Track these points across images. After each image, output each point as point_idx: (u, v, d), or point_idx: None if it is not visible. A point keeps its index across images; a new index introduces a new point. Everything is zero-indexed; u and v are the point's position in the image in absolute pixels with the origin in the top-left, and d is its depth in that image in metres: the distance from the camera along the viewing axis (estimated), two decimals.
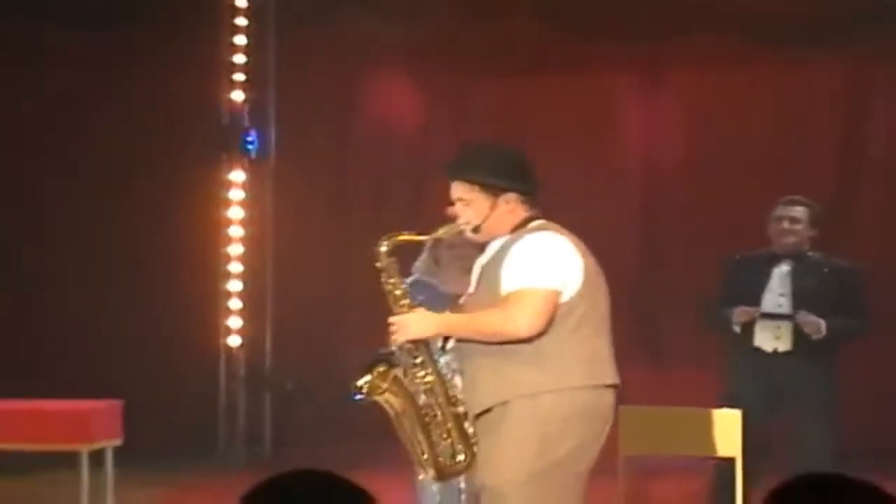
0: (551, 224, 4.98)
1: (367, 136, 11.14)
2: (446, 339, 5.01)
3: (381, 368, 4.86)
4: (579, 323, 4.85)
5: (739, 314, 7.32)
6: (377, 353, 5.17)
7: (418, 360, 4.89)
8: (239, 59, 10.85)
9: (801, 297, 7.32)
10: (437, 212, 5.27)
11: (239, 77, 10.85)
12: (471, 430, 4.86)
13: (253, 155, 10.87)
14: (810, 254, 7.49)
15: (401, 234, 4.99)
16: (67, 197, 10.80)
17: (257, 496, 2.55)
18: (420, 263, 6.20)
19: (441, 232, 5.10)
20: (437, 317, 4.98)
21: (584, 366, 4.86)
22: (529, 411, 4.80)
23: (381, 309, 5.19)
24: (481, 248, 5.20)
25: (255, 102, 10.89)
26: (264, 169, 10.93)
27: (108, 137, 10.78)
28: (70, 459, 7.51)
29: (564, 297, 4.83)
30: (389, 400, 4.86)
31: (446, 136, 10.93)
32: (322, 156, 11.04)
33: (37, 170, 10.81)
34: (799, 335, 7.28)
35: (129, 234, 10.68)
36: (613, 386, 4.92)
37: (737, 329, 7.36)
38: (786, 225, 7.44)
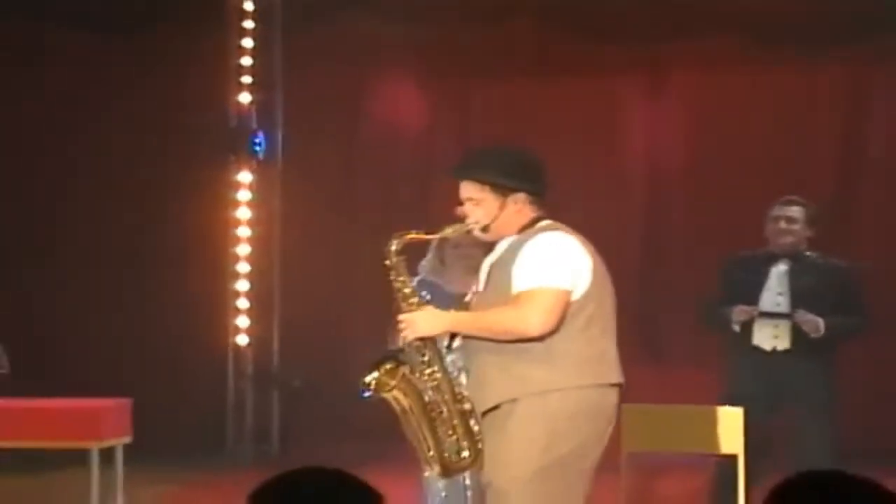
0: (559, 224, 5.00)
1: (373, 137, 11.17)
2: (452, 337, 5.03)
3: (389, 366, 4.86)
4: (588, 323, 4.88)
5: (738, 313, 7.32)
6: (385, 350, 5.23)
7: (426, 358, 4.90)
8: (246, 61, 10.88)
9: (799, 296, 7.33)
10: (442, 212, 5.28)
11: (246, 79, 10.88)
12: (476, 428, 4.86)
13: (260, 156, 10.90)
14: (807, 253, 7.49)
15: (410, 233, 5.00)
16: (77, 197, 10.86)
17: (266, 493, 2.55)
18: (426, 263, 6.24)
19: (450, 231, 5.08)
20: (446, 315, 5.00)
21: (592, 365, 4.89)
22: (538, 409, 4.81)
23: (387, 308, 5.23)
24: (486, 247, 5.22)
25: (262, 104, 10.92)
26: (271, 170, 10.95)
27: (118, 140, 10.82)
28: (81, 457, 7.52)
29: (574, 297, 4.86)
30: (397, 397, 4.86)
31: (451, 137, 10.95)
32: (328, 157, 11.05)
33: (49, 171, 10.87)
34: (797, 334, 7.29)
35: (138, 234, 10.74)
36: (618, 385, 4.95)
37: (736, 328, 7.36)
38: (783, 225, 7.45)
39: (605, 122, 11.02)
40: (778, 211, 7.52)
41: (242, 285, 10.89)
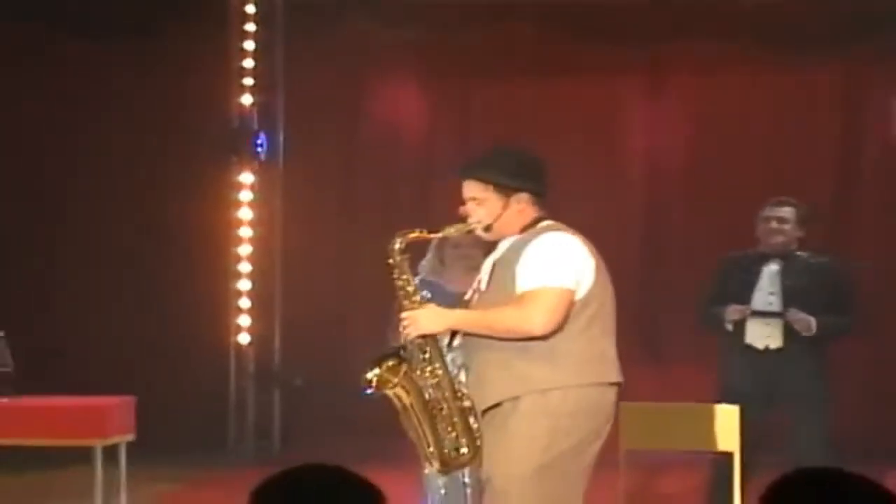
0: (561, 224, 5.03)
1: (374, 137, 11.19)
2: (453, 335, 5.03)
3: (392, 362, 4.88)
4: (590, 322, 4.91)
5: (731, 312, 7.35)
6: (387, 347, 5.26)
7: (427, 356, 4.91)
8: (248, 63, 10.94)
9: (791, 295, 7.35)
10: (443, 212, 5.32)
11: (248, 81, 10.94)
12: (475, 425, 4.88)
13: (262, 157, 10.95)
14: (798, 253, 7.50)
15: (413, 232, 5.02)
16: (81, 197, 10.91)
17: (269, 490, 2.56)
18: (426, 263, 6.28)
19: (453, 230, 5.10)
20: (449, 313, 5.02)
21: (593, 364, 4.92)
22: (540, 407, 4.84)
23: (387, 307, 5.26)
24: (485, 247, 5.27)
25: (263, 106, 10.98)
26: (273, 171, 11.01)
27: (121, 141, 10.87)
28: (85, 454, 7.51)
29: (577, 297, 4.89)
30: (399, 394, 4.88)
31: (451, 137, 10.97)
32: (329, 158, 11.09)
33: (53, 170, 10.92)
34: (789, 332, 7.32)
35: (142, 234, 10.78)
36: (617, 384, 4.98)
37: (729, 327, 7.39)
38: (774, 225, 7.47)
39: (605, 122, 11.04)
40: (769, 211, 7.55)
41: (244, 285, 10.94)
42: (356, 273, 10.66)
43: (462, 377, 5.02)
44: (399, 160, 11.25)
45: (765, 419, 7.16)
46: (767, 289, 7.42)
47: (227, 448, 10.82)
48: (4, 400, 7.56)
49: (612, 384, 4.97)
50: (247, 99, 10.97)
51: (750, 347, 7.39)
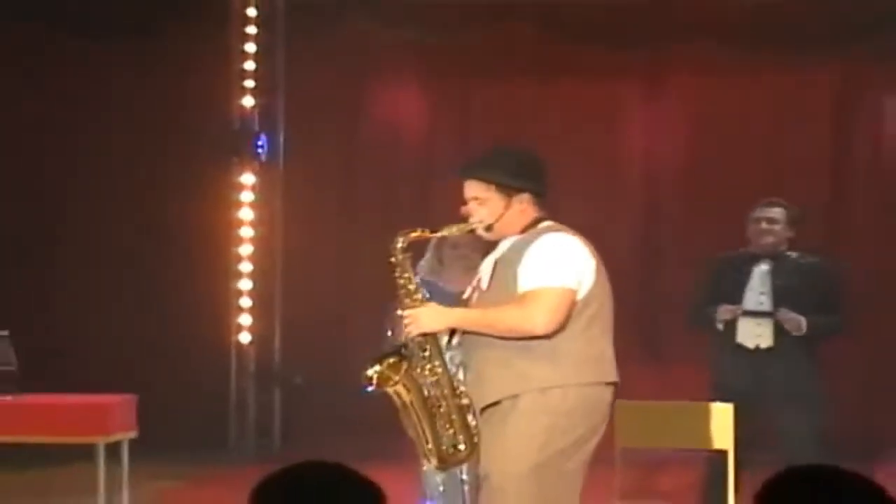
0: (561, 225, 5.05)
1: (374, 138, 11.20)
2: (452, 334, 5.03)
3: (392, 360, 4.89)
4: (589, 323, 4.93)
5: (723, 312, 7.38)
6: (389, 345, 5.32)
7: (427, 353, 4.92)
8: (249, 65, 10.99)
9: (781, 295, 7.37)
10: (443, 212, 5.34)
11: (249, 83, 10.99)
12: (473, 423, 4.90)
13: (263, 158, 11.00)
14: (788, 253, 7.52)
15: (415, 231, 5.04)
16: (84, 197, 10.94)
17: (269, 487, 2.57)
18: (424, 263, 6.30)
19: (455, 229, 5.11)
20: (451, 311, 5.03)
21: (591, 364, 4.94)
22: (540, 405, 4.86)
23: (386, 304, 5.28)
24: (483, 248, 5.30)
25: (264, 107, 11.03)
26: (274, 172, 11.05)
27: (124, 142, 10.91)
28: (87, 451, 7.55)
29: (578, 297, 4.91)
30: (399, 391, 4.89)
31: (451, 138, 10.96)
32: (330, 158, 11.10)
33: (55, 172, 10.95)
34: (780, 332, 7.34)
35: (144, 234, 10.81)
36: (614, 384, 5.01)
37: (720, 327, 7.42)
38: (764, 225, 7.49)
39: (604, 122, 11.03)
40: (759, 212, 7.57)
41: (245, 284, 10.98)
42: (356, 272, 10.66)
43: (460, 375, 5.02)
44: (399, 160, 11.25)
45: (756, 418, 7.15)
46: (758, 289, 7.44)
47: (228, 446, 10.86)
48: (8, 398, 7.58)
49: (609, 384, 5.00)
50: (248, 101, 11.01)
51: (741, 347, 7.41)
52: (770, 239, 7.52)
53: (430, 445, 4.94)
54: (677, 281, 10.05)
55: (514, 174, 5.02)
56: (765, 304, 7.42)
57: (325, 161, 11.07)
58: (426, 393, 4.93)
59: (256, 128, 11.03)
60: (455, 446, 4.93)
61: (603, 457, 5.30)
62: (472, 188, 5.04)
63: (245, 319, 11.01)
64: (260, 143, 11.01)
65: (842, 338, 7.73)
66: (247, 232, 11.00)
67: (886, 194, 10.67)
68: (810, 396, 7.37)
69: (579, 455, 4.93)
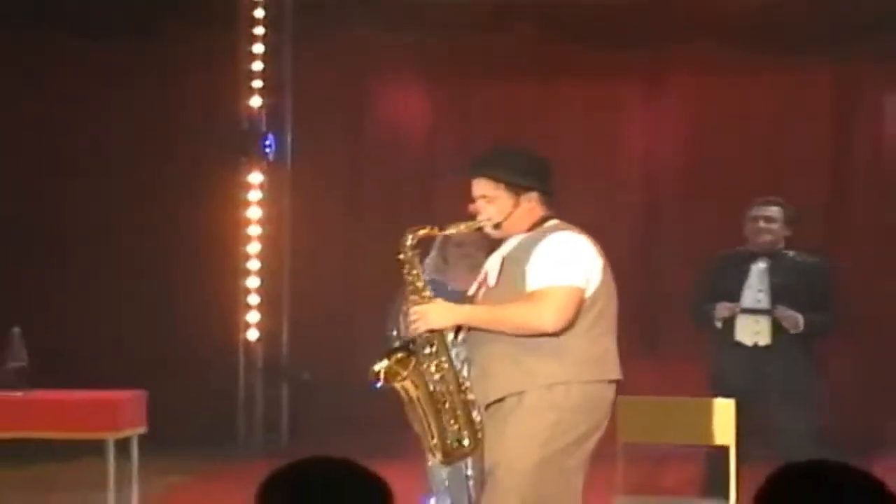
0: (568, 224, 5.09)
1: (379, 138, 11.21)
2: (458, 330, 5.06)
3: (400, 356, 4.95)
4: (596, 320, 4.98)
5: (721, 310, 7.44)
6: (397, 340, 5.38)
7: (434, 349, 4.96)
8: (257, 66, 11.00)
9: (779, 293, 7.42)
10: (445, 210, 5.40)
11: (257, 84, 11.00)
12: (478, 418, 4.95)
13: (270, 158, 11.02)
14: (786, 251, 7.58)
15: (424, 228, 5.05)
16: (98, 197, 10.95)
17: (277, 482, 2.57)
18: (429, 262, 6.28)
19: (463, 227, 5.14)
20: (459, 308, 5.07)
21: (597, 361, 4.99)
22: (546, 402, 4.90)
23: (388, 303, 5.33)
24: (488, 246, 5.36)
25: (272, 108, 11.04)
26: (281, 171, 11.07)
27: (134, 142, 10.94)
28: (97, 447, 7.58)
29: (586, 295, 4.96)
30: (406, 387, 4.94)
31: (454, 138, 10.93)
32: (336, 158, 11.11)
33: (66, 171, 10.97)
34: (777, 329, 7.40)
35: (153, 233, 10.84)
36: (616, 381, 5.06)
37: (718, 324, 7.48)
38: (762, 224, 7.55)
39: (605, 123, 11.03)
40: (756, 211, 7.63)
41: (253, 282, 11.00)
42: (362, 270, 10.65)
43: (465, 371, 5.07)
44: (403, 160, 11.26)
45: (754, 414, 7.19)
46: (756, 286, 7.49)
47: (236, 441, 10.86)
48: (19, 394, 7.62)
49: (612, 381, 5.06)
50: (256, 101, 11.02)
51: (739, 344, 7.47)
52: (768, 237, 7.57)
53: (434, 440, 5.01)
54: (677, 280, 10.02)
55: (523, 173, 5.07)
56: (762, 301, 7.48)
57: (332, 160, 11.07)
58: (432, 388, 4.98)
59: (264, 128, 11.05)
60: (459, 441, 4.99)
61: (605, 452, 5.34)
62: (481, 186, 5.08)
63: (253, 317, 11.04)
64: (268, 142, 11.04)
65: (842, 337, 7.79)
66: (255, 230, 11.02)
67: (886, 194, 10.66)
68: (808, 393, 7.42)
69: (581, 452, 4.99)
